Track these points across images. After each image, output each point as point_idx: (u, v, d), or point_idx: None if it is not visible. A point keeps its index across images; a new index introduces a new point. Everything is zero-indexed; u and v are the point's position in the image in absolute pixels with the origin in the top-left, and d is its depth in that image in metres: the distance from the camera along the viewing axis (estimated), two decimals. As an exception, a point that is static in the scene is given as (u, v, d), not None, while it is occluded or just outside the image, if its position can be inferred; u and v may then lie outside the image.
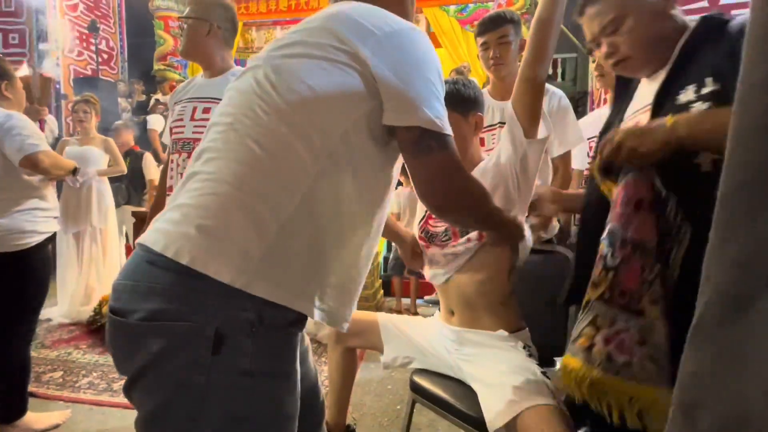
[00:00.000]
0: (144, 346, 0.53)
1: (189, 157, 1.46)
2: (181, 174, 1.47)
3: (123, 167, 3.00)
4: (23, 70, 1.88)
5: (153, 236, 0.58)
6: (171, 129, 1.53)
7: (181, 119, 1.50)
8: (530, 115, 0.98)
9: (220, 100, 1.49)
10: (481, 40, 1.53)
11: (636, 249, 0.75)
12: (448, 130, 0.64)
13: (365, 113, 0.62)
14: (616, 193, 0.79)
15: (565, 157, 1.57)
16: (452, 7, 5.53)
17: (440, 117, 0.62)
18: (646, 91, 0.86)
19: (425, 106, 0.61)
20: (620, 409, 0.73)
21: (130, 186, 3.37)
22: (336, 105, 0.60)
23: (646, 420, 0.71)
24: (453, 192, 0.65)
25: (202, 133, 1.43)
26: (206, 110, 1.48)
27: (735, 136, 0.27)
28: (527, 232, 0.91)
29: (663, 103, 0.79)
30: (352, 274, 0.68)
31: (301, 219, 0.58)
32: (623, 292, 0.75)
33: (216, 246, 0.55)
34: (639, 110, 0.87)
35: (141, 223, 2.54)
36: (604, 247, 0.79)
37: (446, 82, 0.92)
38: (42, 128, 2.05)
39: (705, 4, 2.65)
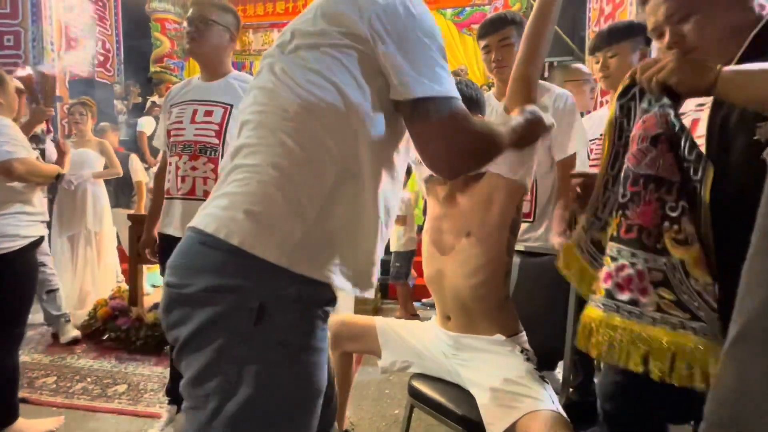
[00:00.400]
0: (195, 314, 0.60)
1: (191, 159, 1.45)
2: (182, 177, 1.46)
3: (119, 170, 2.98)
4: (25, 70, 1.85)
5: (204, 220, 0.64)
6: (169, 131, 1.52)
7: (181, 122, 1.49)
8: None
9: (222, 103, 1.49)
10: (482, 42, 1.49)
11: (649, 182, 0.71)
12: (449, 92, 0.64)
13: (376, 93, 0.65)
14: (633, 132, 0.75)
15: (566, 162, 1.48)
16: (449, 11, 5.55)
17: (439, 82, 0.63)
18: None
19: (423, 74, 0.63)
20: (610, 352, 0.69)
21: (117, 188, 3.33)
22: (351, 91, 0.64)
23: (652, 365, 0.67)
24: (455, 155, 0.66)
25: (204, 135, 1.46)
26: (208, 113, 1.48)
27: None
28: (548, 120, 0.88)
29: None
30: (376, 244, 0.71)
31: (333, 202, 0.64)
32: (631, 227, 0.71)
33: (262, 229, 0.61)
34: (695, 108, 0.81)
35: (136, 225, 2.52)
36: (620, 189, 0.76)
37: None
38: (48, 129, 2.03)
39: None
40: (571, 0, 5.58)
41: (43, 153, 2.34)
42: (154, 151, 4.35)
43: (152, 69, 6.17)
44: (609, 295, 0.72)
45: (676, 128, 0.71)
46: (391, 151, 0.71)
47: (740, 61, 0.74)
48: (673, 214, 0.69)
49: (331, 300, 0.67)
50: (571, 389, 1.31)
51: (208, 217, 0.64)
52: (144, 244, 1.68)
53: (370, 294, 0.73)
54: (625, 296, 0.70)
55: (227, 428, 0.58)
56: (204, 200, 1.46)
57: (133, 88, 5.74)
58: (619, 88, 0.80)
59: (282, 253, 0.60)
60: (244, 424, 0.58)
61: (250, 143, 0.66)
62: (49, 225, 1.73)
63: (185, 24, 1.47)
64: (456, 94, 0.65)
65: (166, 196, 1.53)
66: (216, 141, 1.47)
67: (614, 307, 0.71)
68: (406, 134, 0.72)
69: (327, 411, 0.82)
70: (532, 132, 0.86)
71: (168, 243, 1.51)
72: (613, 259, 0.73)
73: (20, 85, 2.00)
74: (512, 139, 0.78)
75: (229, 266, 0.60)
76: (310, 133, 0.63)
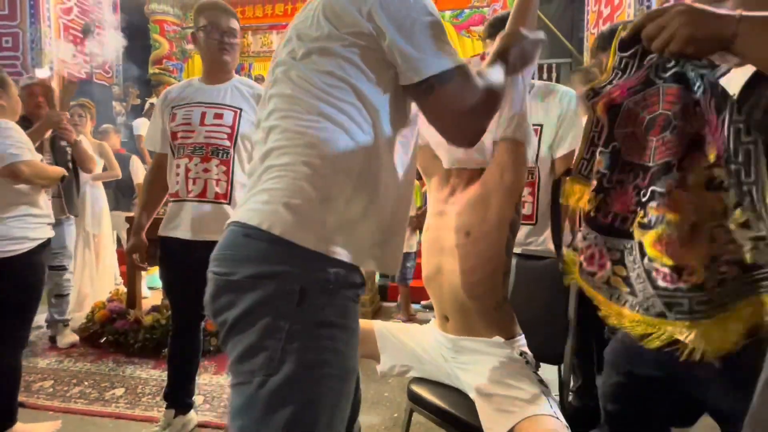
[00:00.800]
0: (242, 299, 0.65)
1: (203, 161, 1.45)
2: (193, 179, 1.45)
3: (118, 172, 2.97)
4: (44, 72, 1.86)
5: (247, 214, 0.69)
6: (175, 133, 1.50)
7: (189, 123, 1.48)
8: None
9: (232, 106, 1.51)
10: (491, 43, 1.44)
11: (630, 171, 0.72)
12: (452, 64, 0.67)
13: (388, 84, 0.70)
14: (635, 103, 0.71)
15: (566, 159, 1.45)
16: (448, 12, 5.55)
17: (441, 57, 0.67)
18: (736, 80, 0.73)
19: (426, 53, 0.67)
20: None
21: (117, 190, 3.30)
22: (363, 86, 0.69)
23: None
24: (466, 119, 0.71)
25: (216, 137, 1.47)
26: (218, 116, 1.49)
27: None
28: (534, 36, 0.88)
29: (751, 92, 0.68)
30: (399, 231, 0.78)
31: (358, 192, 0.70)
32: (607, 213, 0.75)
33: (300, 219, 0.66)
34: None
35: (135, 228, 2.52)
36: (602, 163, 0.76)
37: None
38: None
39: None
40: (569, 2, 5.60)
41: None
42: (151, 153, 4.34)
43: (151, 70, 6.16)
44: (580, 265, 0.81)
45: (718, 90, 0.64)
46: (407, 140, 0.76)
47: None
48: (643, 200, 0.71)
49: (361, 284, 0.73)
50: (571, 393, 1.30)
51: (250, 211, 0.69)
52: (132, 249, 1.64)
53: (393, 272, 0.79)
54: (587, 269, 0.79)
55: (272, 400, 0.62)
56: (216, 202, 1.48)
57: (131, 89, 5.74)
58: (617, 38, 0.73)
59: (319, 240, 0.66)
60: (287, 397, 0.63)
61: (279, 146, 0.71)
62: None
63: (222, 35, 1.47)
64: (459, 62, 0.68)
65: (173, 198, 1.51)
66: (228, 143, 1.47)
67: (581, 272, 0.81)
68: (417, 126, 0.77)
69: (358, 385, 0.85)
70: (522, 54, 0.88)
71: (172, 246, 1.50)
72: (584, 238, 0.79)
73: (43, 84, 2.00)
74: (506, 73, 0.81)
75: (272, 254, 0.66)
76: (332, 133, 0.68)
